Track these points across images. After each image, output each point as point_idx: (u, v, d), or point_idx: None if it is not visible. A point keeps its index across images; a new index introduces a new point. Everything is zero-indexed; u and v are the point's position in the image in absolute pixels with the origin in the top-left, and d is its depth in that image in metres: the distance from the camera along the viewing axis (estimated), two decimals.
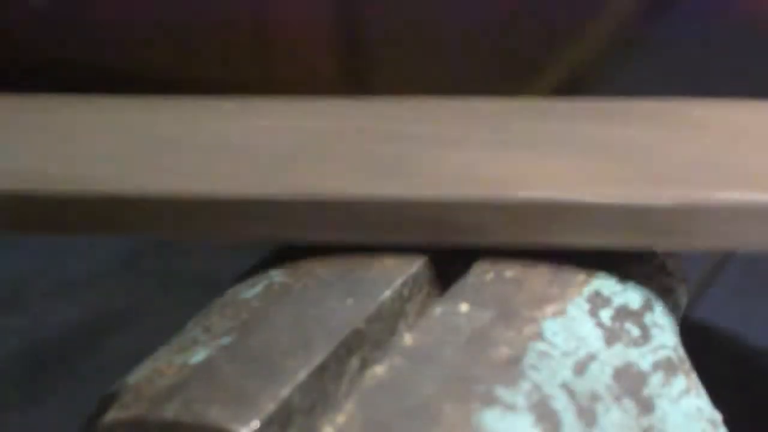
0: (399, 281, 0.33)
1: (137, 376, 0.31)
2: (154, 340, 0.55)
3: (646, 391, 0.32)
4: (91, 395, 0.52)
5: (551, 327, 0.32)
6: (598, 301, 0.33)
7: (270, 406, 0.29)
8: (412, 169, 0.34)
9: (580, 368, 0.31)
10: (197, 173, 0.35)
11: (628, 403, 0.31)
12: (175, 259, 0.58)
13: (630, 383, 0.32)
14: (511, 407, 0.29)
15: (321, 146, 0.36)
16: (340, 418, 0.29)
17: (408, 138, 0.36)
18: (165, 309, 0.56)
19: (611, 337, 0.32)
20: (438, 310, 0.32)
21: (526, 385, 0.30)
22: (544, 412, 0.30)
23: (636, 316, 0.33)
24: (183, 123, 0.39)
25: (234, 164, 0.35)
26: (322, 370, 0.30)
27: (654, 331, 0.33)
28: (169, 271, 0.58)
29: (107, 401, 0.31)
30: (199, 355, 0.31)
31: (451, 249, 0.34)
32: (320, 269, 0.34)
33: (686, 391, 0.32)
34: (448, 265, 0.35)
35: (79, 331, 0.56)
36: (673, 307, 0.35)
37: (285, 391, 0.29)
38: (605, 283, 0.34)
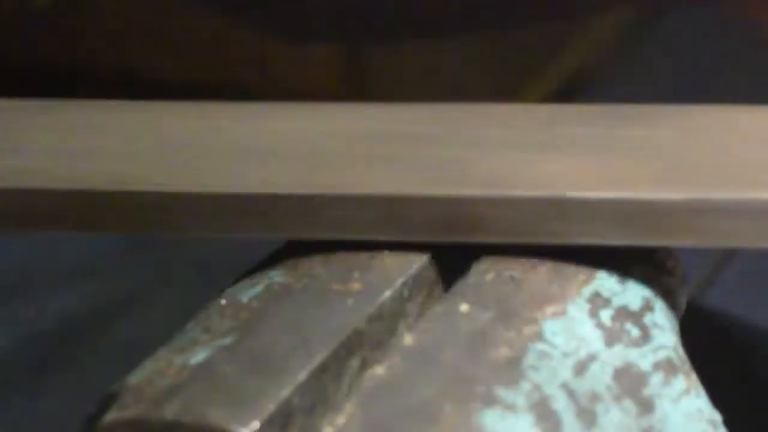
0: (399, 281, 0.33)
1: (137, 376, 0.31)
2: (155, 328, 0.55)
3: (646, 392, 0.32)
4: (93, 384, 0.52)
5: (551, 327, 0.32)
6: (598, 302, 0.33)
7: (270, 407, 0.29)
8: (440, 169, 0.35)
9: (580, 368, 0.31)
10: (211, 171, 0.35)
11: (628, 404, 0.31)
12: (175, 248, 0.58)
13: (630, 383, 0.32)
14: (511, 407, 0.29)
15: (346, 148, 0.37)
16: (340, 419, 0.29)
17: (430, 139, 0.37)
18: (165, 297, 0.56)
19: (611, 337, 0.32)
20: (438, 310, 0.32)
21: (526, 386, 0.30)
22: (544, 412, 0.30)
23: (636, 316, 0.33)
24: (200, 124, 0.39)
25: (256, 164, 0.36)
26: (322, 370, 0.30)
27: (654, 332, 0.33)
28: (169, 259, 0.58)
29: (107, 401, 0.31)
30: (199, 356, 0.31)
31: (460, 246, 0.34)
32: (320, 269, 0.34)
33: (686, 392, 0.33)
34: (449, 265, 0.35)
35: (80, 320, 0.56)
36: (672, 307, 0.35)
37: (285, 392, 0.29)
38: (605, 284, 0.34)
